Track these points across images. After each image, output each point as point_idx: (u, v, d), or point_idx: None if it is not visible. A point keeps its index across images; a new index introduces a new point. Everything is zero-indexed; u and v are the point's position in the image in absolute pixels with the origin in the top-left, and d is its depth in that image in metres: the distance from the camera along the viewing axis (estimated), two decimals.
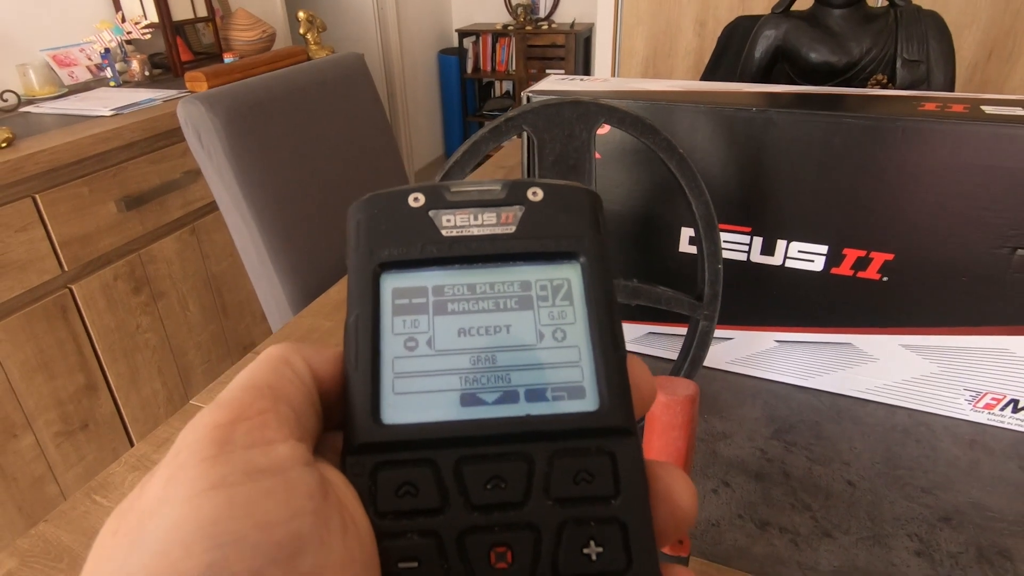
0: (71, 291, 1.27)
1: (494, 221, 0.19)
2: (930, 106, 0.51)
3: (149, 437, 0.60)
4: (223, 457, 0.14)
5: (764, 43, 0.84)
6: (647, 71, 2.19)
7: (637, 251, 0.62)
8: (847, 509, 0.49)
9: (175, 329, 1.51)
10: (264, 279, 0.98)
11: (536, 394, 0.17)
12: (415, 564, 0.16)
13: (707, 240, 0.48)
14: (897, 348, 0.56)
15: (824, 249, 0.55)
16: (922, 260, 0.52)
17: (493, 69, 3.76)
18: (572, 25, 3.54)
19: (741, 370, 0.64)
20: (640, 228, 0.60)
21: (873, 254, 0.54)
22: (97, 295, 1.32)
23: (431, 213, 0.19)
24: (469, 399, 0.17)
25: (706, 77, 1.30)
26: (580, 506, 0.16)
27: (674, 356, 0.66)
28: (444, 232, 0.18)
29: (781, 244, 0.56)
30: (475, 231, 0.18)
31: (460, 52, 3.72)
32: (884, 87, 0.78)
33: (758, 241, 0.57)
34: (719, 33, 1.31)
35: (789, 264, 0.57)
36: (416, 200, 0.19)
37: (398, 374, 0.17)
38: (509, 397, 0.17)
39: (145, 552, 0.13)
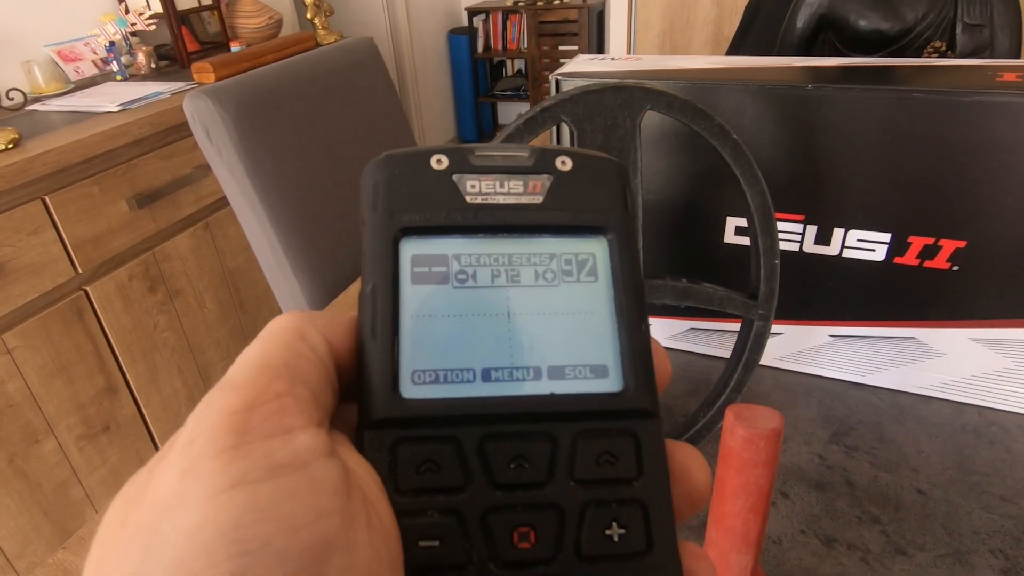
0: (86, 293, 1.25)
1: (521, 190, 0.18)
2: (1009, 76, 0.45)
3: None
4: (242, 449, 0.13)
5: (807, 11, 0.78)
6: (664, 44, 2.12)
7: (678, 243, 0.57)
8: (920, 522, 0.45)
9: (193, 327, 1.49)
10: (281, 278, 0.94)
11: (559, 372, 0.17)
12: (436, 543, 0.15)
13: (763, 234, 0.44)
14: (967, 342, 0.52)
15: (886, 237, 0.50)
16: (998, 248, 0.48)
17: (504, 48, 3.68)
18: None
19: (792, 367, 0.59)
20: (681, 218, 0.56)
21: (943, 242, 0.49)
22: (113, 296, 1.29)
23: (455, 177, 0.18)
24: (491, 374, 0.17)
25: (732, 50, 1.23)
26: (603, 488, 0.16)
27: (719, 353, 0.62)
28: (468, 199, 0.18)
29: (838, 233, 0.52)
30: (501, 199, 0.18)
31: (470, 31, 3.63)
32: (943, 55, 0.71)
33: (812, 230, 0.52)
34: (738, 2, 1.25)
35: (847, 254, 0.52)
36: (439, 162, 0.18)
37: (418, 347, 0.17)
38: (532, 374, 0.17)
39: (162, 558, 0.12)
